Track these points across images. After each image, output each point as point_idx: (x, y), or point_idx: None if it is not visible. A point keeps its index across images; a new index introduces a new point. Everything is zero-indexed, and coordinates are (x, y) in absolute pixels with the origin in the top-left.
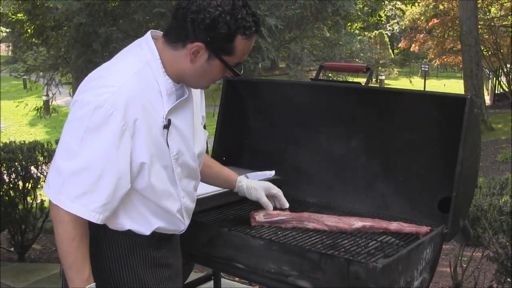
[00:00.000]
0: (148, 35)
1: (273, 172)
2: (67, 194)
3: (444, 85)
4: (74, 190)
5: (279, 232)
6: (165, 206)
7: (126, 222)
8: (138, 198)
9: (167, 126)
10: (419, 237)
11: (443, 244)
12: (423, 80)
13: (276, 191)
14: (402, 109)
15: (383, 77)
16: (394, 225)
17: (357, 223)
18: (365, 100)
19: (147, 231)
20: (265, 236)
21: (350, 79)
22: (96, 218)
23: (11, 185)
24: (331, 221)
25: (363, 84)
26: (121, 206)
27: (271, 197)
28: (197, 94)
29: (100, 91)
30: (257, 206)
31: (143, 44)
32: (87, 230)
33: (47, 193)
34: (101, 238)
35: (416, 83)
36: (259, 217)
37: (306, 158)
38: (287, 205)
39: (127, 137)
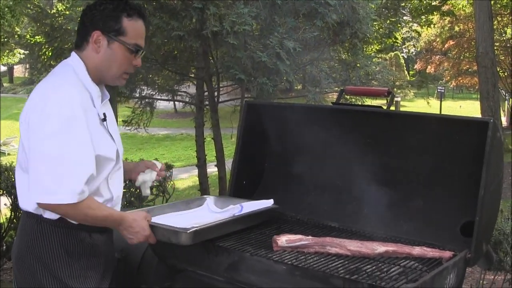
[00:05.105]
0: (73, 54)
1: (271, 201)
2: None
3: (460, 106)
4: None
5: (301, 257)
6: None
7: None
8: None
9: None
10: (442, 262)
11: None
12: (439, 102)
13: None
14: (423, 133)
15: (399, 99)
16: (417, 250)
17: (380, 248)
18: (386, 124)
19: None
20: (288, 261)
21: (368, 101)
22: None
23: None
24: (353, 246)
25: (384, 107)
26: None
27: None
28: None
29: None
30: (279, 231)
31: (69, 63)
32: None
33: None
34: (35, 231)
35: (432, 105)
36: (281, 241)
37: (327, 182)
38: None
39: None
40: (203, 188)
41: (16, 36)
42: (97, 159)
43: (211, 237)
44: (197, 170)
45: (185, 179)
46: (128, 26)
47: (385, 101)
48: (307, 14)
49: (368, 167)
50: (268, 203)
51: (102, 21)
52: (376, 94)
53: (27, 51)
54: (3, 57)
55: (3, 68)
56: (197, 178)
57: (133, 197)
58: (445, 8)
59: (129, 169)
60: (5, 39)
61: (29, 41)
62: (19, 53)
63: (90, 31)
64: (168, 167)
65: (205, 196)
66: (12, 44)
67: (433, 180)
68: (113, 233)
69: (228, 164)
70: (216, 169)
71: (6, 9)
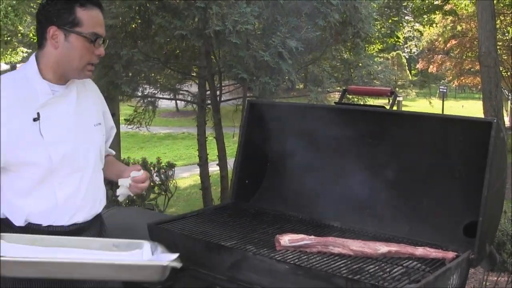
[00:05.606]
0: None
1: (175, 256)
2: None
3: (463, 106)
4: None
5: (304, 257)
6: None
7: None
8: None
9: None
10: (445, 263)
11: None
12: (441, 101)
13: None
14: (426, 133)
15: (400, 99)
16: (420, 250)
17: (383, 248)
18: (389, 124)
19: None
20: (290, 261)
21: (370, 101)
22: None
23: None
24: (356, 245)
25: (386, 107)
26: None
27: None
28: (96, 100)
29: None
30: (281, 230)
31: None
32: None
33: None
34: None
35: (434, 104)
36: (284, 241)
37: (330, 182)
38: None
39: None
40: (205, 186)
41: (19, 35)
42: (20, 163)
43: (33, 275)
44: (198, 169)
45: (187, 178)
46: (82, 16)
47: (387, 101)
48: (309, 13)
49: (370, 167)
50: (172, 257)
51: (56, 16)
52: (379, 94)
53: (30, 50)
54: (6, 55)
55: (6, 67)
56: (199, 177)
57: (134, 196)
58: (447, 7)
59: (120, 171)
60: (8, 38)
61: (32, 39)
62: (22, 52)
63: (46, 27)
64: (170, 166)
65: (142, 241)
66: (15, 43)
67: (436, 180)
68: (102, 231)
69: (230, 163)
70: (218, 168)
71: (10, 8)
